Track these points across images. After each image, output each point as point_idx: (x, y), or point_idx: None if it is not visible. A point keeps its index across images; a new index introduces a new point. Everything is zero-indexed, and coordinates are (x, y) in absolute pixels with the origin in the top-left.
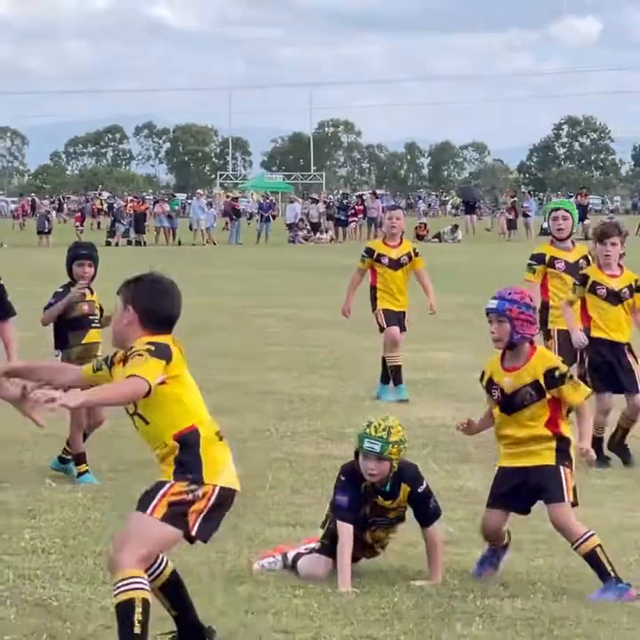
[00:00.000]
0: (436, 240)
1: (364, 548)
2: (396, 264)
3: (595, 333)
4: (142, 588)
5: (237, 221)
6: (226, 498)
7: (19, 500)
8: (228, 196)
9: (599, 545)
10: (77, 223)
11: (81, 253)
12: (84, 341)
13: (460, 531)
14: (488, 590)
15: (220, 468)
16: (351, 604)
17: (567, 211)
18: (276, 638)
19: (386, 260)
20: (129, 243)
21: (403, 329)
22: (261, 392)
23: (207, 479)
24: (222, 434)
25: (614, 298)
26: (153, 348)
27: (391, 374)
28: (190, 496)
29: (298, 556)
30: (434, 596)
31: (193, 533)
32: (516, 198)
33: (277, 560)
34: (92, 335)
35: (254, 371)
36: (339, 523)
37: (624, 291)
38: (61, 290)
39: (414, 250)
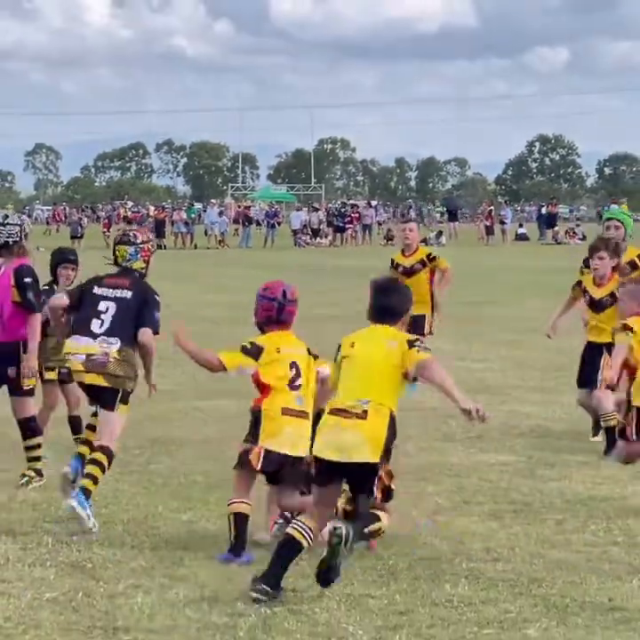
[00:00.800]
0: (423, 244)
1: None
2: (408, 271)
3: None
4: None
5: (248, 228)
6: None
7: (56, 475)
8: (239, 206)
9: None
10: (105, 229)
11: (69, 258)
12: None
13: (446, 500)
14: (473, 555)
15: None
16: (351, 566)
17: (619, 221)
18: (286, 596)
19: (400, 269)
20: None
21: (421, 333)
22: None
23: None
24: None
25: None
26: None
27: None
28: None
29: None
30: (425, 559)
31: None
32: (492, 207)
33: (282, 523)
34: None
35: None
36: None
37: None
38: (47, 287)
39: (429, 255)
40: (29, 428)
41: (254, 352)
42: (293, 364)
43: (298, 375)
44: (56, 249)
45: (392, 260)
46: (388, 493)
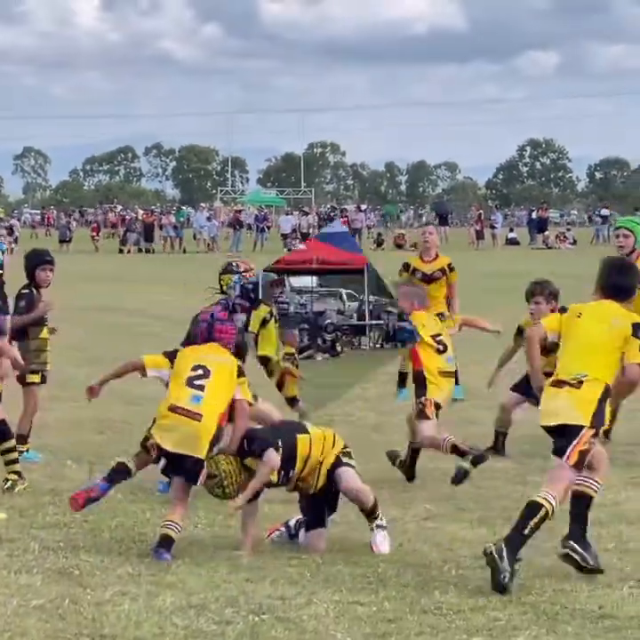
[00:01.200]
0: (413, 248)
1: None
2: (428, 278)
3: None
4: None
5: (239, 231)
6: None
7: (44, 480)
8: (229, 211)
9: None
10: (94, 233)
11: (46, 259)
12: (40, 336)
13: (437, 506)
14: (461, 562)
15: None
16: (340, 573)
17: (628, 229)
18: (273, 604)
19: (419, 275)
20: (139, 250)
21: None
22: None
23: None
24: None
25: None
26: None
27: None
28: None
29: (299, 522)
30: (414, 566)
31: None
32: (481, 211)
33: (283, 532)
34: (45, 332)
35: (254, 361)
36: None
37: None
38: (27, 291)
39: (449, 265)
40: (0, 431)
41: (172, 355)
42: (200, 366)
43: (203, 376)
44: (31, 251)
45: (408, 265)
46: (582, 460)
